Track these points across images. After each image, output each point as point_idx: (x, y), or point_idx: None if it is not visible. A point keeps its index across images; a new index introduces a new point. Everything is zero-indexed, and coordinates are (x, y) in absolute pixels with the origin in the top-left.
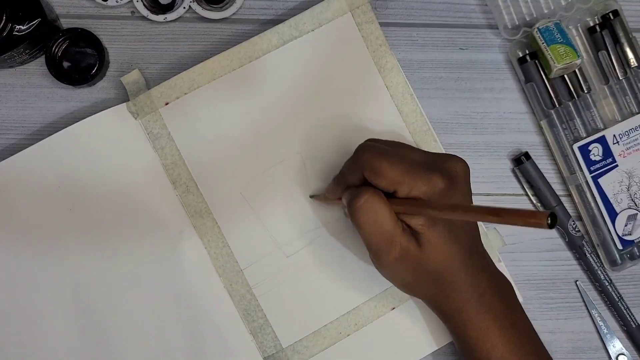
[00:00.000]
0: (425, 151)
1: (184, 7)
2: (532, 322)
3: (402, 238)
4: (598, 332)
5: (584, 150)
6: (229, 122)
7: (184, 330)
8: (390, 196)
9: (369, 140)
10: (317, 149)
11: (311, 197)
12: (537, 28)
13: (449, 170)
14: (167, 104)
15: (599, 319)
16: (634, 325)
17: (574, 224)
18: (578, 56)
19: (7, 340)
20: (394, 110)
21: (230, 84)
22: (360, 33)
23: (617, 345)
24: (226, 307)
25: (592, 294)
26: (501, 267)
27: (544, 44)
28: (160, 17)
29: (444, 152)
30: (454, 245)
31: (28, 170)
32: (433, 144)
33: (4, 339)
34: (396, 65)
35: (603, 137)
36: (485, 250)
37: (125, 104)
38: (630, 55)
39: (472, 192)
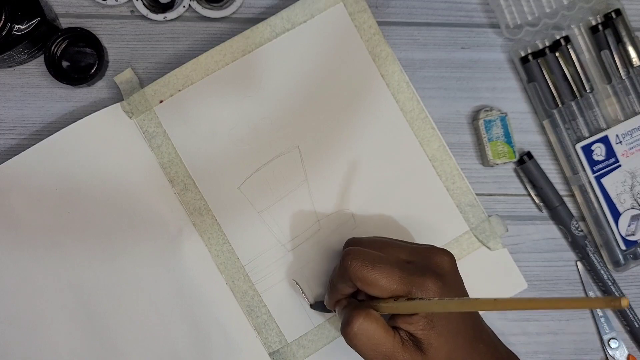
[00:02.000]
0: (408, 245)
1: (184, 6)
2: (535, 323)
3: (403, 353)
4: (599, 332)
5: (587, 150)
6: (224, 118)
7: (188, 328)
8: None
9: (351, 240)
10: (314, 140)
11: (312, 307)
12: (483, 119)
13: (438, 268)
14: (161, 101)
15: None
16: (637, 325)
17: (576, 224)
18: (515, 157)
19: (10, 345)
20: (390, 98)
21: (224, 79)
22: (353, 22)
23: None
24: (229, 304)
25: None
26: (501, 266)
27: (485, 137)
28: (160, 16)
29: (442, 141)
30: (457, 339)
31: (25, 174)
32: (430, 131)
33: (6, 344)
34: (390, 54)
35: (606, 136)
36: (491, 333)
37: (119, 103)
38: (632, 54)
39: (476, 191)
